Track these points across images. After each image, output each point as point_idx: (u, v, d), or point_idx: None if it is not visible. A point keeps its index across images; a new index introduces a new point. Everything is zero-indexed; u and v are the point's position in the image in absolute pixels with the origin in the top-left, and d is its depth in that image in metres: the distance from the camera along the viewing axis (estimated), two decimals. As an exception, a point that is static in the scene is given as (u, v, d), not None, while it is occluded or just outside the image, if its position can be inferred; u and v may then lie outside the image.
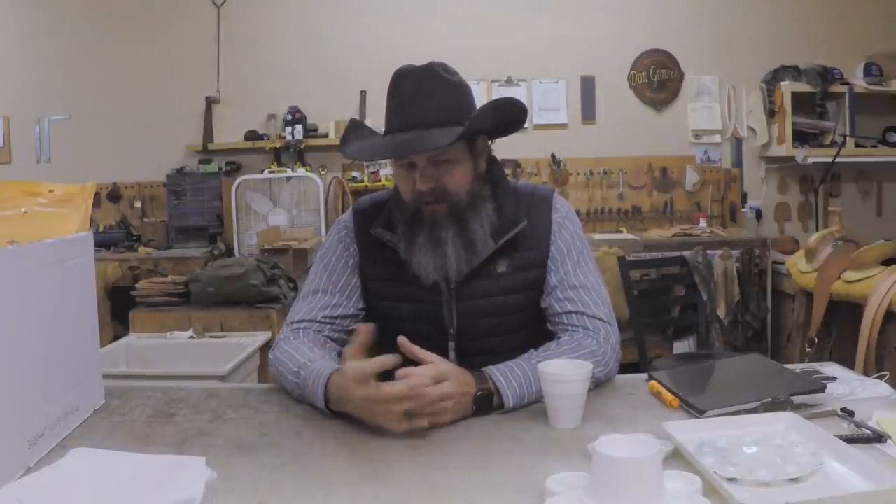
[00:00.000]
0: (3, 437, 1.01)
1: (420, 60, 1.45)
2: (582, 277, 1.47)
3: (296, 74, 4.70)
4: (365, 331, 1.30)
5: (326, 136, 4.67)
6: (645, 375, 1.45)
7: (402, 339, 1.26)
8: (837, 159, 4.31)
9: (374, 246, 1.51)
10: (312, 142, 4.64)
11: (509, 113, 1.44)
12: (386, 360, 1.23)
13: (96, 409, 1.35)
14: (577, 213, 1.61)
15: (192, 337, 2.78)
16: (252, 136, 4.66)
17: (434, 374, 1.21)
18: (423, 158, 1.39)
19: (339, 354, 1.49)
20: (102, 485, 0.88)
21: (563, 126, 4.79)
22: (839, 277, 2.96)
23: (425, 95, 1.38)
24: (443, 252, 1.41)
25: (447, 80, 1.41)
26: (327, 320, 1.49)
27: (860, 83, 4.58)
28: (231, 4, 4.72)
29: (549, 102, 4.74)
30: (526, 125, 1.56)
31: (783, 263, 3.79)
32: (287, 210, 4.51)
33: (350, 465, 1.08)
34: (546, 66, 4.76)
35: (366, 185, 4.57)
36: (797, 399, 1.23)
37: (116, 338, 2.95)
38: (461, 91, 1.43)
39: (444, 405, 1.21)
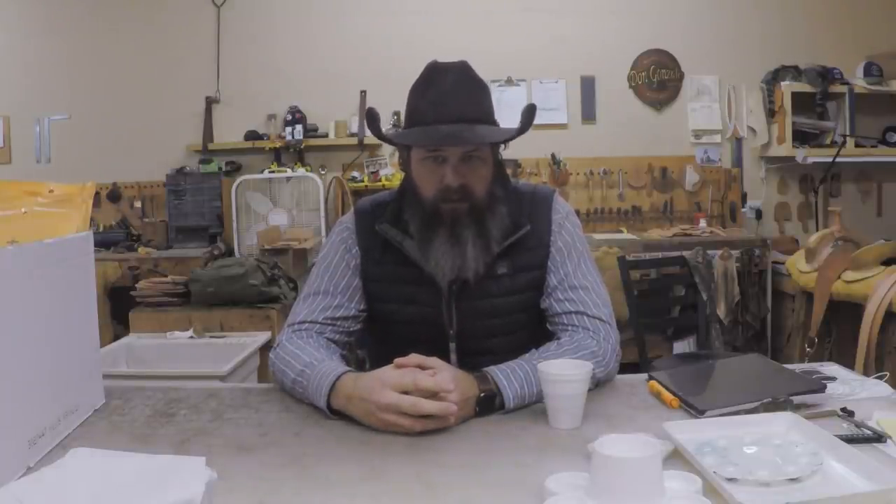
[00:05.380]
0: (3, 437, 1.01)
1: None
2: (582, 278, 1.48)
3: (296, 74, 4.70)
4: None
5: (326, 136, 4.67)
6: (645, 375, 1.45)
7: (399, 361, 1.25)
8: (837, 159, 4.32)
9: (376, 246, 1.51)
10: (312, 142, 4.63)
11: (533, 118, 1.44)
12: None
13: (96, 409, 1.35)
14: (577, 213, 1.62)
15: (192, 337, 2.77)
16: (252, 136, 4.66)
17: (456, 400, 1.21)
18: (457, 154, 1.39)
19: (343, 356, 1.49)
20: (102, 485, 0.88)
21: (563, 126, 4.79)
22: (839, 277, 2.97)
23: (465, 92, 1.40)
24: (462, 251, 1.40)
25: (480, 79, 1.44)
26: (328, 321, 1.49)
27: (860, 83, 4.58)
28: (231, 4, 4.72)
29: (549, 102, 4.74)
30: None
31: (783, 263, 3.79)
32: (287, 210, 4.51)
33: (350, 465, 1.08)
34: (546, 66, 4.76)
35: (366, 186, 4.57)
36: (797, 399, 1.23)
37: (116, 338, 2.94)
38: (489, 92, 1.46)
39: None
